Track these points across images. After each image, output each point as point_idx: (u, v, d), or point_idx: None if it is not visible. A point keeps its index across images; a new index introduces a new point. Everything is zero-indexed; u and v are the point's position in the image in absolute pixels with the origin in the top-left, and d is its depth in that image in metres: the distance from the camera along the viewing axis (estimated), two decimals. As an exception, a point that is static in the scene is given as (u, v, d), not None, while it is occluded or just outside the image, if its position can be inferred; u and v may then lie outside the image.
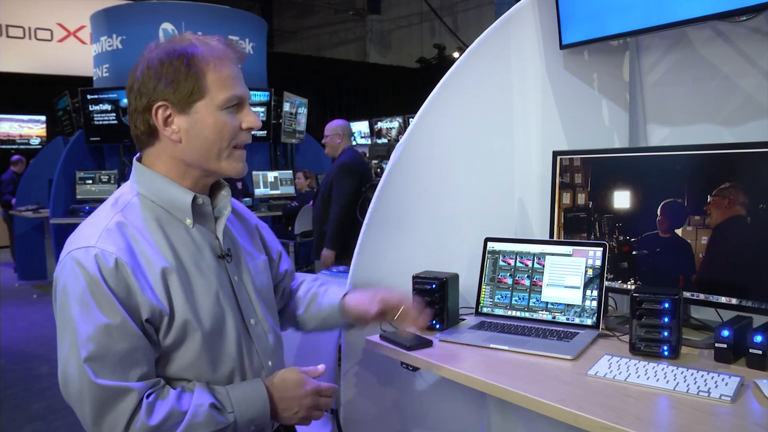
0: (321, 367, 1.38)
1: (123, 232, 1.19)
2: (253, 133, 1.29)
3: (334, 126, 4.76)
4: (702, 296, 1.73)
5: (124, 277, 1.14)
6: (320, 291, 1.64)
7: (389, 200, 2.00)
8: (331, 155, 4.81)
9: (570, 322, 1.80)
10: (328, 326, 1.62)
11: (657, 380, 1.38)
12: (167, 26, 7.88)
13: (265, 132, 8.22)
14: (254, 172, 7.67)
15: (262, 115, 8.15)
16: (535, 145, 2.26)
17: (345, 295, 1.59)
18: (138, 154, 1.32)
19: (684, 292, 1.72)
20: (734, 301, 1.67)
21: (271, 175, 7.89)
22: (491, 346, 1.66)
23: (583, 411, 1.25)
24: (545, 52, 2.24)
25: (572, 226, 2.03)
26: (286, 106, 8.60)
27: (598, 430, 1.22)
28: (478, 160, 2.16)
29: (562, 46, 2.18)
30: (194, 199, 1.27)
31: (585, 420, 1.24)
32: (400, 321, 1.56)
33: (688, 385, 1.34)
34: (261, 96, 8.16)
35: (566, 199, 2.04)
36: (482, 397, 2.14)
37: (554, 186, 2.07)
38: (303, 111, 9.17)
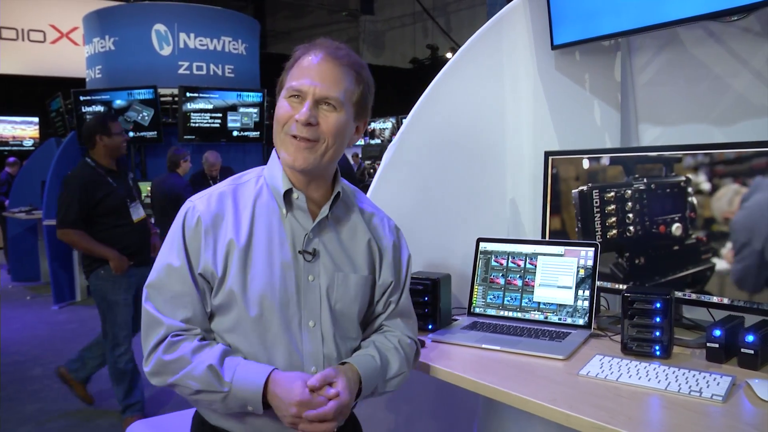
0: (316, 376, 1.25)
1: (221, 200, 1.33)
2: (245, 133, 1.37)
3: None
4: (694, 296, 1.73)
5: (198, 233, 1.29)
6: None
7: (381, 201, 1.99)
8: None
9: (562, 322, 1.80)
10: None
11: (648, 380, 1.38)
12: (160, 27, 7.87)
13: (258, 133, 8.21)
14: (248, 173, 7.66)
15: (255, 116, 8.14)
16: (527, 145, 2.26)
17: None
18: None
19: (676, 292, 1.73)
20: (726, 300, 1.67)
21: (265, 176, 7.87)
22: (483, 346, 1.66)
23: (574, 411, 1.25)
24: (537, 52, 2.24)
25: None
26: (280, 107, 8.57)
27: (590, 430, 1.22)
28: (470, 161, 2.16)
29: (553, 47, 2.19)
30: (291, 192, 1.34)
31: (576, 420, 1.24)
32: None
33: (679, 385, 1.34)
34: (254, 97, 8.14)
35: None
36: (474, 398, 2.14)
37: (546, 186, 2.07)
38: (296, 112, 9.15)
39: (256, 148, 8.60)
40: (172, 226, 1.33)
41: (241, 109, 8.04)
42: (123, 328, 3.47)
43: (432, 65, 14.24)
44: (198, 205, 1.32)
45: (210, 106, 7.78)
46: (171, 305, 1.29)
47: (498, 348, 1.64)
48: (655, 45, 2.20)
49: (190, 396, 1.28)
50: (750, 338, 1.46)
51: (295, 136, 1.28)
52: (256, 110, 8.14)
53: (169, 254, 1.30)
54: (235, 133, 8.03)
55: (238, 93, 8.06)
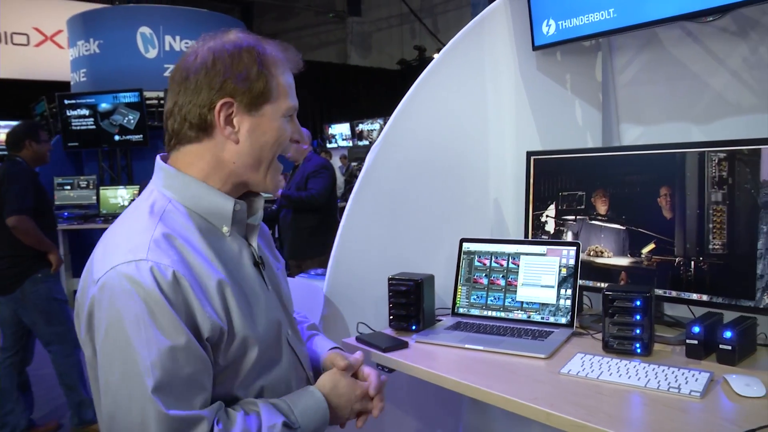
0: (358, 354, 1.33)
1: (171, 243, 1.06)
2: None
3: None
4: (674, 293, 1.75)
5: (182, 292, 1.02)
6: (306, 333, 1.49)
7: (365, 202, 2.00)
8: (295, 159, 4.98)
9: (545, 321, 1.82)
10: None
11: (629, 377, 1.39)
12: (145, 30, 7.83)
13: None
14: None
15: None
16: (509, 145, 2.27)
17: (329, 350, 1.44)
18: (161, 154, 1.21)
19: (656, 290, 1.74)
20: (705, 297, 1.69)
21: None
22: (466, 346, 1.67)
23: (555, 409, 1.26)
24: (518, 53, 2.25)
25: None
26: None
27: (570, 428, 1.23)
28: (453, 161, 2.17)
29: (534, 47, 2.20)
30: (233, 205, 1.17)
31: (557, 418, 1.25)
32: None
33: (659, 382, 1.35)
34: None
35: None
36: (459, 398, 2.15)
37: (528, 186, 2.08)
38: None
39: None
40: (121, 304, 0.99)
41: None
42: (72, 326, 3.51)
43: (419, 66, 14.26)
44: (157, 258, 1.02)
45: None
46: (189, 394, 1.01)
47: (481, 348, 1.65)
48: (635, 45, 2.22)
49: None
50: (728, 334, 1.48)
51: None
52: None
53: (156, 338, 0.98)
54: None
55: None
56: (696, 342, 1.52)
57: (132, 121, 7.41)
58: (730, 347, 1.47)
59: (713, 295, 1.67)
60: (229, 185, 1.17)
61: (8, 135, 3.58)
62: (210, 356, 1.05)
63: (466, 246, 2.00)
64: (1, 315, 3.50)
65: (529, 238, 2.07)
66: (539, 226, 2.07)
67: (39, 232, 3.37)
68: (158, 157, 1.20)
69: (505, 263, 1.92)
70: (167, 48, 7.93)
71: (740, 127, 1.92)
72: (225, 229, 1.16)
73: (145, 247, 1.03)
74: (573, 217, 1.99)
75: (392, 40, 16.54)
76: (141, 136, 7.45)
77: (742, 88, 1.94)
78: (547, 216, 2.05)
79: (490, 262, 1.94)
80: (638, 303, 1.55)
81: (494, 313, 1.90)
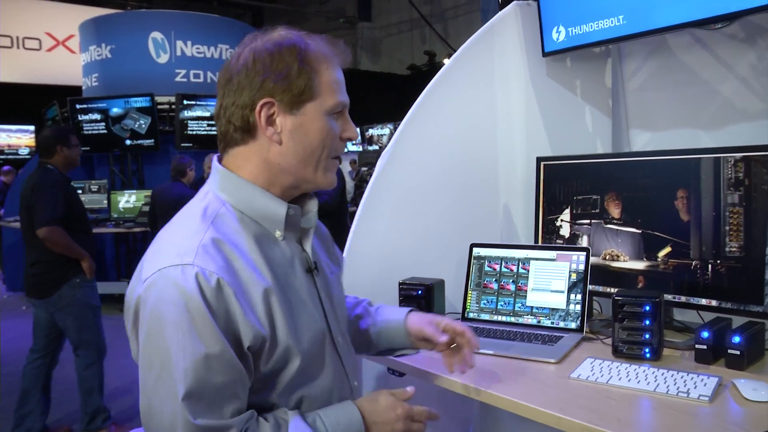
0: (410, 389, 1.22)
1: (220, 248, 1.05)
2: None
3: None
4: (683, 298, 1.76)
5: (225, 300, 1.02)
6: (370, 308, 1.51)
7: (376, 206, 2.02)
8: None
9: (554, 326, 1.83)
10: (381, 345, 1.48)
11: (638, 382, 1.40)
12: (156, 35, 7.90)
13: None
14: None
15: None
16: (519, 151, 2.29)
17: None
18: (217, 155, 1.19)
19: (665, 295, 1.75)
20: (714, 303, 1.70)
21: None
22: (478, 351, 1.68)
23: (565, 413, 1.28)
24: (528, 59, 2.27)
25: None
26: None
27: (580, 432, 1.24)
28: (463, 166, 2.19)
29: (544, 54, 2.22)
30: (287, 209, 1.15)
31: (567, 422, 1.26)
32: (455, 351, 1.40)
33: (668, 387, 1.36)
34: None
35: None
36: (469, 402, 2.16)
37: (538, 192, 2.10)
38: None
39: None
40: (164, 308, 1.00)
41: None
42: (102, 334, 3.57)
43: (429, 71, 14.26)
44: (203, 264, 1.01)
45: (207, 114, 7.80)
46: (220, 403, 1.01)
47: (492, 352, 1.66)
48: (645, 51, 2.23)
49: None
50: (736, 339, 1.49)
51: (337, 156, 1.19)
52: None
53: (193, 345, 0.98)
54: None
55: (235, 101, 8.09)
56: (705, 347, 1.53)
57: (143, 126, 7.48)
58: (738, 352, 1.48)
59: (722, 301, 1.67)
60: (280, 187, 1.15)
61: (39, 141, 3.60)
62: (249, 365, 1.05)
63: (476, 251, 2.01)
64: (36, 318, 3.56)
65: (539, 244, 2.09)
66: (553, 231, 2.08)
67: (69, 240, 3.38)
68: (215, 158, 1.19)
69: (515, 268, 1.93)
70: (178, 53, 7.99)
71: (749, 133, 1.93)
72: (278, 233, 1.15)
73: (193, 251, 1.03)
74: (588, 221, 2.00)
75: (402, 45, 16.58)
76: (152, 140, 7.52)
77: (750, 95, 1.95)
78: (561, 220, 2.06)
79: (500, 267, 1.95)
80: (647, 308, 1.56)
81: (504, 318, 1.91)
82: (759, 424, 1.17)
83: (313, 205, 1.23)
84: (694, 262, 1.74)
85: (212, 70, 8.23)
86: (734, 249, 1.66)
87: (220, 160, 1.18)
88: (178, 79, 7.98)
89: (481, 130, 2.24)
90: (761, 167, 1.61)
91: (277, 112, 1.10)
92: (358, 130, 11.76)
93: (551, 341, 1.71)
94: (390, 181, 2.05)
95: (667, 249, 1.80)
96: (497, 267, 1.96)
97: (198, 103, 7.72)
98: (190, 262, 1.01)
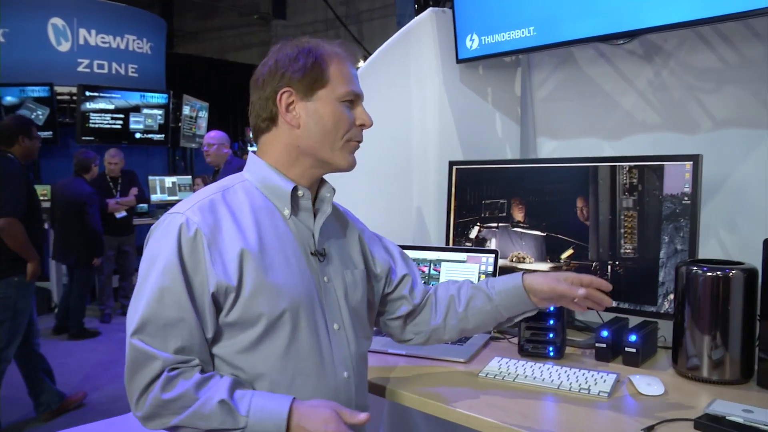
0: (363, 415, 1.16)
1: (214, 208, 1.22)
2: (149, 136, 1.30)
3: (219, 136, 5.09)
4: (584, 299, 1.84)
5: (198, 248, 1.16)
6: (478, 285, 1.47)
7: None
8: (215, 164, 5.06)
9: (464, 326, 1.87)
10: (501, 317, 1.43)
11: (543, 380, 1.46)
12: (57, 21, 7.49)
13: (163, 136, 7.95)
14: (150, 177, 7.39)
15: (159, 117, 7.88)
16: (432, 155, 2.33)
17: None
18: (254, 148, 1.35)
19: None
20: (613, 303, 1.78)
21: (169, 181, 7.62)
22: (389, 351, 1.70)
23: (473, 411, 1.31)
24: (443, 64, 2.31)
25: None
26: (186, 110, 8.37)
27: (487, 429, 1.27)
28: (377, 169, 2.20)
29: (458, 60, 2.27)
30: (295, 190, 1.28)
31: (475, 420, 1.30)
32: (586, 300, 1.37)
33: (570, 384, 1.43)
34: (158, 98, 7.89)
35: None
36: (379, 402, 2.17)
37: (450, 195, 2.14)
38: (203, 115, 8.95)
39: (161, 151, 8.33)
40: (155, 243, 1.18)
41: (145, 111, 7.77)
42: (19, 338, 3.38)
43: (343, 72, 14.19)
44: (191, 215, 1.18)
45: (111, 107, 7.47)
46: (163, 335, 1.13)
47: (403, 353, 1.68)
48: (552, 63, 2.33)
49: None
50: (633, 338, 1.58)
51: (358, 141, 1.32)
52: (160, 112, 7.89)
53: (160, 277, 1.14)
54: (137, 135, 7.75)
55: (142, 93, 7.79)
56: (604, 345, 1.62)
57: (41, 117, 7.06)
58: (634, 350, 1.57)
59: (620, 301, 1.77)
60: (300, 168, 1.29)
61: (1, 128, 3.49)
62: (208, 314, 1.16)
63: (389, 252, 2.02)
64: None
65: (450, 246, 2.13)
66: (462, 234, 2.13)
67: (26, 239, 3.25)
68: (251, 151, 1.33)
69: (426, 269, 1.96)
70: (81, 42, 7.61)
71: (646, 144, 2.06)
72: (286, 211, 1.28)
73: (189, 206, 1.21)
74: (495, 225, 2.06)
75: (316, 45, 16.47)
76: (50, 132, 7.11)
77: (648, 108, 2.08)
78: (470, 224, 2.12)
79: (413, 268, 1.98)
80: (551, 309, 1.63)
81: (416, 319, 1.93)
82: (652, 417, 1.24)
83: (325, 191, 1.35)
84: (593, 264, 1.83)
85: (118, 60, 7.89)
86: (629, 251, 1.77)
87: (255, 152, 1.34)
88: (80, 68, 7.60)
89: (396, 133, 2.25)
90: (653, 174, 1.72)
91: (295, 100, 1.25)
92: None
93: (461, 341, 1.75)
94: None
95: (570, 251, 1.89)
96: (410, 268, 1.98)
97: (101, 94, 7.38)
98: (182, 212, 1.19)
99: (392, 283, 1.48)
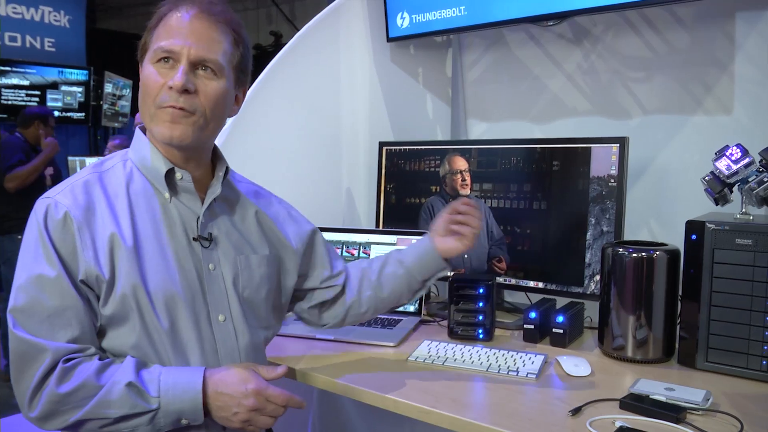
0: (280, 368, 1.20)
1: (87, 190, 1.13)
2: (68, 114, 1.21)
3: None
4: (513, 281, 1.85)
5: (69, 232, 1.08)
6: (389, 253, 1.46)
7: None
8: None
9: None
10: (415, 281, 1.40)
11: (472, 362, 1.45)
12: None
13: (83, 114, 7.57)
14: (70, 158, 6.99)
15: (79, 95, 7.49)
16: (362, 135, 2.28)
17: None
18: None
19: (497, 278, 1.83)
20: (541, 285, 1.80)
21: (90, 161, 7.23)
22: (317, 336, 1.65)
23: (401, 397, 1.28)
24: (373, 43, 2.26)
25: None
26: (108, 87, 7.99)
27: (417, 415, 1.25)
28: (305, 149, 2.13)
29: (389, 39, 2.22)
30: (173, 172, 1.16)
31: (404, 405, 1.27)
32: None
33: (499, 366, 1.42)
34: (78, 74, 7.49)
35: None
36: (308, 389, 2.12)
37: (380, 176, 2.10)
38: (127, 93, 8.57)
39: (81, 131, 7.92)
40: (28, 229, 1.11)
41: (63, 88, 7.36)
42: None
43: (275, 53, 13.94)
44: (60, 198, 1.10)
45: (26, 83, 7.03)
46: (50, 325, 1.05)
47: (331, 338, 1.64)
48: (483, 44, 2.31)
49: (106, 427, 1.05)
50: (560, 319, 1.59)
51: (172, 106, 1.10)
52: (80, 89, 7.49)
53: (34, 264, 1.07)
54: (55, 114, 7.33)
55: (60, 69, 7.36)
56: (532, 327, 1.62)
57: (-55, 92, 6.57)
58: (561, 331, 1.58)
59: (548, 282, 1.78)
60: (163, 148, 1.18)
61: (21, 113, 4.39)
62: (87, 299, 1.09)
63: (318, 235, 1.97)
64: None
65: (380, 228, 2.09)
66: (393, 215, 2.09)
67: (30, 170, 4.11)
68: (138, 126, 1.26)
69: (356, 252, 1.92)
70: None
71: (574, 128, 2.08)
72: (166, 195, 1.17)
73: (60, 189, 1.13)
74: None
75: (248, 24, 16.02)
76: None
77: (576, 92, 2.09)
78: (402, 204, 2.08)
79: (342, 251, 1.93)
80: (481, 290, 1.62)
81: (345, 303, 1.89)
82: (579, 398, 1.24)
83: (219, 170, 1.24)
84: (523, 246, 1.84)
85: (32, 33, 7.40)
86: (554, 236, 1.78)
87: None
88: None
89: (325, 112, 2.19)
90: (581, 158, 1.73)
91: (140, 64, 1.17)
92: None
93: (390, 325, 1.72)
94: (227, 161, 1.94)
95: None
96: (339, 251, 1.94)
97: (14, 69, 6.92)
98: (51, 196, 1.11)
99: (313, 268, 1.41)
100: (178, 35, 1.10)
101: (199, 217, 1.19)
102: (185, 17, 1.11)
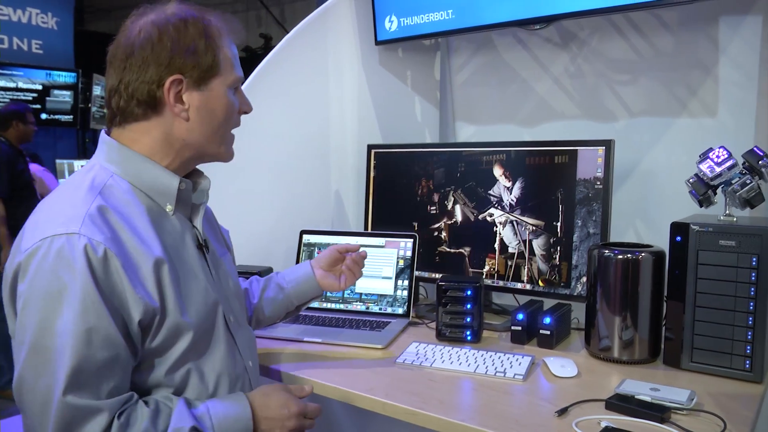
0: (308, 387, 1.28)
1: (107, 218, 1.02)
2: (57, 117, 1.17)
3: None
4: (501, 283, 1.86)
5: (112, 272, 0.98)
6: (269, 276, 1.56)
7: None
8: None
9: (383, 311, 1.85)
10: (292, 305, 1.53)
11: (460, 364, 1.46)
12: None
13: (71, 117, 7.53)
14: (58, 161, 6.96)
15: (68, 97, 7.44)
16: (351, 138, 2.28)
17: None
18: (105, 129, 1.15)
19: (485, 280, 1.84)
20: (528, 286, 1.81)
21: (79, 164, 7.20)
22: (305, 339, 1.65)
23: (389, 399, 1.28)
24: (361, 46, 2.26)
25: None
26: (97, 90, 7.95)
27: (405, 417, 1.25)
28: (294, 152, 2.13)
29: (377, 42, 2.23)
30: (180, 183, 1.14)
31: (392, 407, 1.27)
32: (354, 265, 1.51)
33: (486, 367, 1.43)
34: (66, 77, 7.45)
35: (381, 192, 2.07)
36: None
37: (368, 179, 2.11)
38: (116, 96, 8.53)
39: (69, 133, 7.88)
40: (46, 277, 0.95)
41: (53, 91, 7.32)
42: None
43: (264, 55, 13.92)
44: (91, 234, 0.97)
45: (13, 85, 6.98)
46: (97, 381, 0.97)
47: (320, 341, 1.64)
48: (471, 47, 2.32)
49: None
50: (547, 320, 1.60)
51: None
52: (69, 92, 7.45)
53: (80, 315, 0.94)
54: (43, 116, 7.29)
55: (48, 72, 7.32)
56: (520, 328, 1.63)
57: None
58: (548, 332, 1.59)
59: (535, 284, 1.79)
60: (178, 162, 1.15)
61: None
62: (136, 342, 1.02)
63: (306, 238, 1.98)
64: None
65: (369, 230, 2.10)
66: (381, 217, 2.10)
67: (2, 223, 3.57)
68: (102, 132, 1.15)
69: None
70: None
71: (561, 130, 2.09)
72: (169, 207, 1.14)
73: (80, 220, 0.98)
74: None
75: (237, 26, 16.04)
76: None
77: (563, 95, 2.11)
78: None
79: (331, 254, 1.93)
80: (469, 293, 1.63)
81: (333, 305, 1.90)
82: (565, 399, 1.25)
83: (205, 182, 1.24)
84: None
85: (19, 35, 7.34)
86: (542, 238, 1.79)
87: (108, 133, 1.14)
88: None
89: (314, 115, 2.19)
90: (568, 159, 1.74)
91: (185, 89, 1.09)
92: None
93: (379, 327, 1.73)
94: (217, 167, 1.94)
95: (488, 236, 1.90)
96: (328, 254, 1.94)
97: (2, 72, 6.88)
98: (76, 231, 0.97)
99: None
100: (239, 63, 1.18)
101: (196, 226, 1.20)
102: (235, 42, 1.18)
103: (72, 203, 1.03)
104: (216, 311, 1.16)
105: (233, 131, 1.21)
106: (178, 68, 1.08)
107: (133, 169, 1.11)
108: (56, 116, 7.41)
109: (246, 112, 1.22)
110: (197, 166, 1.24)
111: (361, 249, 1.51)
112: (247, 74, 2.05)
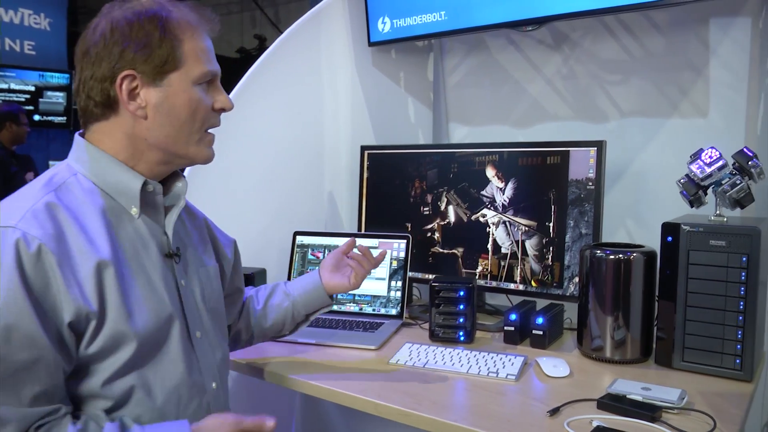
0: (270, 422, 1.05)
1: (53, 214, 0.97)
2: (50, 119, 1.13)
3: None
4: (494, 283, 1.86)
5: (46, 269, 0.92)
6: (276, 283, 1.51)
7: (194, 194, 1.90)
8: None
9: (376, 312, 1.85)
10: (299, 315, 1.45)
11: (453, 365, 1.46)
12: None
13: (65, 118, 7.50)
14: (51, 162, 6.96)
15: (60, 98, 7.42)
16: (344, 139, 2.29)
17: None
18: (80, 131, 1.10)
19: (478, 280, 1.85)
20: (521, 287, 1.82)
21: (72, 166, 7.18)
22: (298, 340, 1.65)
23: (382, 399, 1.29)
24: (354, 47, 2.27)
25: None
26: (90, 91, 7.93)
27: (398, 417, 1.26)
28: (287, 153, 2.13)
29: (370, 43, 2.23)
30: (144, 185, 1.07)
31: (385, 408, 1.28)
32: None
33: (479, 368, 1.43)
34: (59, 78, 7.42)
35: (374, 193, 2.07)
36: (291, 394, 2.13)
37: (362, 180, 2.11)
38: (110, 97, 8.51)
39: (62, 134, 7.85)
40: None
41: (45, 92, 7.29)
42: None
43: (259, 56, 13.89)
44: (26, 227, 0.92)
45: (6, 86, 6.96)
46: (14, 384, 0.89)
47: (313, 342, 1.64)
48: (464, 49, 2.33)
49: None
50: (539, 321, 1.61)
51: (211, 129, 1.12)
52: (62, 93, 7.42)
53: (0, 311, 0.88)
54: (36, 118, 7.26)
55: (41, 73, 7.30)
56: (512, 328, 1.64)
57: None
58: (541, 332, 1.60)
59: (528, 285, 1.80)
60: (146, 163, 1.08)
61: None
62: (68, 346, 0.95)
63: (299, 239, 1.98)
64: None
65: (362, 231, 2.10)
66: (375, 218, 2.10)
67: None
68: (77, 133, 1.11)
69: (338, 256, 1.92)
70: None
71: (554, 131, 2.10)
72: (134, 210, 1.08)
73: (20, 215, 0.94)
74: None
75: (232, 27, 15.98)
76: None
77: (555, 96, 2.11)
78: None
79: (324, 255, 1.94)
80: (462, 293, 1.63)
81: (327, 306, 1.90)
82: (557, 398, 1.26)
83: (180, 185, 1.17)
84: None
85: (12, 36, 7.30)
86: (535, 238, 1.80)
87: (82, 135, 1.10)
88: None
89: (307, 116, 2.19)
90: (560, 161, 1.75)
91: (140, 85, 1.03)
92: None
93: (372, 328, 1.73)
94: (210, 168, 1.94)
95: (481, 237, 1.91)
96: (321, 255, 1.94)
97: (-6, 73, 6.85)
98: (12, 225, 0.93)
99: (234, 281, 1.42)
100: (213, 57, 1.11)
101: (166, 232, 1.13)
102: (209, 37, 1.12)
103: (23, 198, 1.00)
104: (171, 323, 1.07)
105: (213, 131, 1.14)
106: (129, 63, 1.02)
107: (98, 169, 1.06)
108: (49, 117, 7.37)
109: (224, 110, 1.13)
110: (179, 169, 1.18)
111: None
112: (241, 76, 2.06)
